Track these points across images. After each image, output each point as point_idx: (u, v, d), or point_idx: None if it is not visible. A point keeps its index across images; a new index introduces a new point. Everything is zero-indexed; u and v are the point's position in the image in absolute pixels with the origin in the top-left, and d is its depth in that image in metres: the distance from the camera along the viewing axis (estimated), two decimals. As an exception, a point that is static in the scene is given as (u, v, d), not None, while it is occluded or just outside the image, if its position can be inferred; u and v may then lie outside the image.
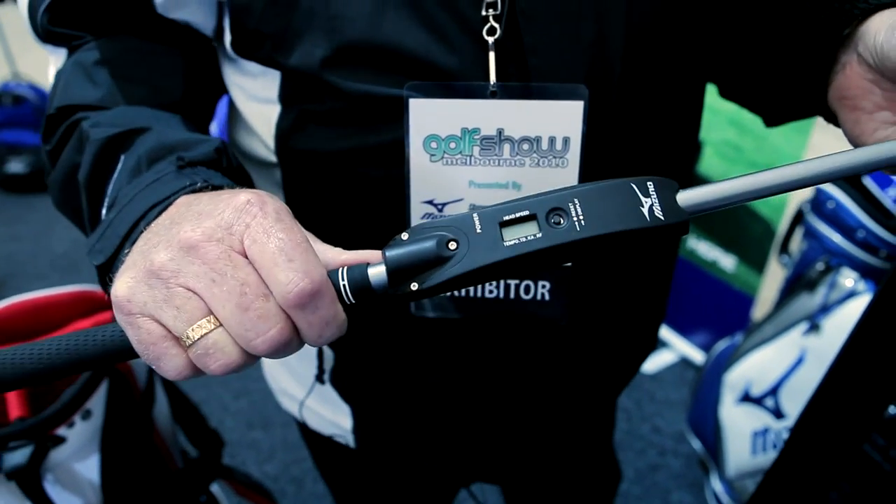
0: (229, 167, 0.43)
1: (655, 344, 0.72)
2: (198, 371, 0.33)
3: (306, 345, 0.35)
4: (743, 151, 1.75)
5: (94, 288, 1.10)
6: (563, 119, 0.44)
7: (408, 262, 0.33)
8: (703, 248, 1.88)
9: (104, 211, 0.43)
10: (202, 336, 0.32)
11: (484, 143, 0.45)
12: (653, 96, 0.50)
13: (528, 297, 0.49)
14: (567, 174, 0.45)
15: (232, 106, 0.58)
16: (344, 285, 0.33)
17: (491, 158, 0.45)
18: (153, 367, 0.33)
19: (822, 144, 1.68)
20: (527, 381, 0.60)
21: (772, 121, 0.58)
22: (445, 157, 0.45)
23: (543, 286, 0.49)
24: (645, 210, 0.32)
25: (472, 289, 0.50)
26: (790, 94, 0.52)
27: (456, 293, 0.50)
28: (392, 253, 0.33)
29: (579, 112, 0.44)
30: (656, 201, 0.32)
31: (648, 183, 0.33)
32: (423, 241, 0.33)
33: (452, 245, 0.33)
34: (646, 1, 0.47)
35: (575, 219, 0.32)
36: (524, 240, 0.32)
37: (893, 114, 0.42)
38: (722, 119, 1.73)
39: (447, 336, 0.56)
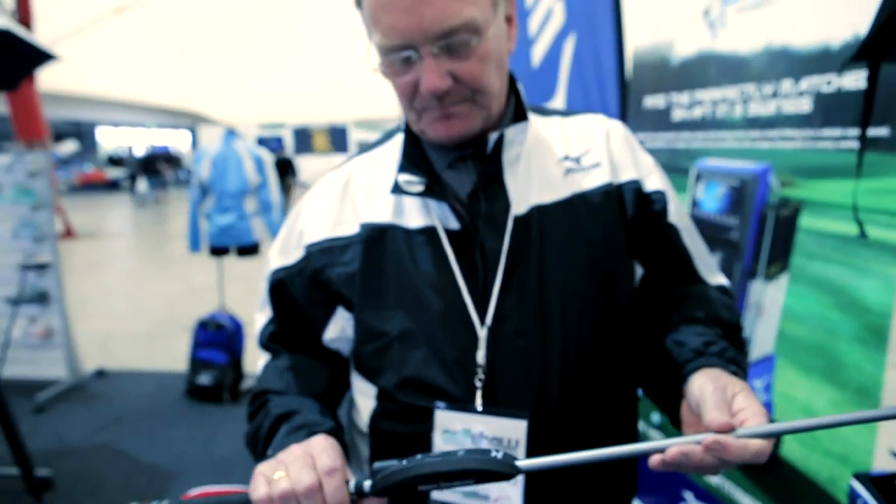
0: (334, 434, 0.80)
1: None
2: (270, 497, 0.64)
3: None
4: (818, 438, 1.85)
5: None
6: (515, 429, 0.78)
7: (379, 469, 0.63)
8: (788, 534, 1.89)
9: (269, 450, 0.79)
10: (279, 477, 0.64)
11: (473, 437, 0.79)
12: (582, 413, 0.83)
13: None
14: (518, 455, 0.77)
15: (351, 396, 0.98)
16: (349, 486, 0.65)
17: (477, 445, 0.79)
18: (253, 492, 0.65)
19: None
20: None
21: (676, 424, 0.81)
22: (453, 442, 0.80)
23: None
24: (493, 465, 0.60)
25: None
26: (673, 411, 0.79)
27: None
28: (377, 466, 0.64)
29: (524, 426, 0.78)
30: (499, 456, 0.61)
31: (499, 451, 0.62)
32: (387, 469, 0.63)
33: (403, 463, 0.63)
34: (574, 363, 0.82)
35: (459, 462, 0.61)
36: (430, 467, 0.61)
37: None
38: (795, 406, 1.87)
39: None
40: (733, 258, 2.00)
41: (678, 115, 2.28)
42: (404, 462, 0.63)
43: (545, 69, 3.48)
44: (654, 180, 0.92)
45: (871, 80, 0.96)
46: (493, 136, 0.86)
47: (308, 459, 0.66)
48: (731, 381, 0.68)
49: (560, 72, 3.41)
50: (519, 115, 0.89)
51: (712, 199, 2.11)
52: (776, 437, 0.62)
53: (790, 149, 1.82)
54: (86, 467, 3.18)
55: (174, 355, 4.72)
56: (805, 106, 1.77)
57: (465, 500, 0.80)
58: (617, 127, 0.96)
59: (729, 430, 0.60)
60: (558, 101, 3.48)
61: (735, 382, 0.68)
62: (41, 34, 9.78)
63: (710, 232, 2.08)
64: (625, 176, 0.90)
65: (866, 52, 0.91)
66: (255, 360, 0.99)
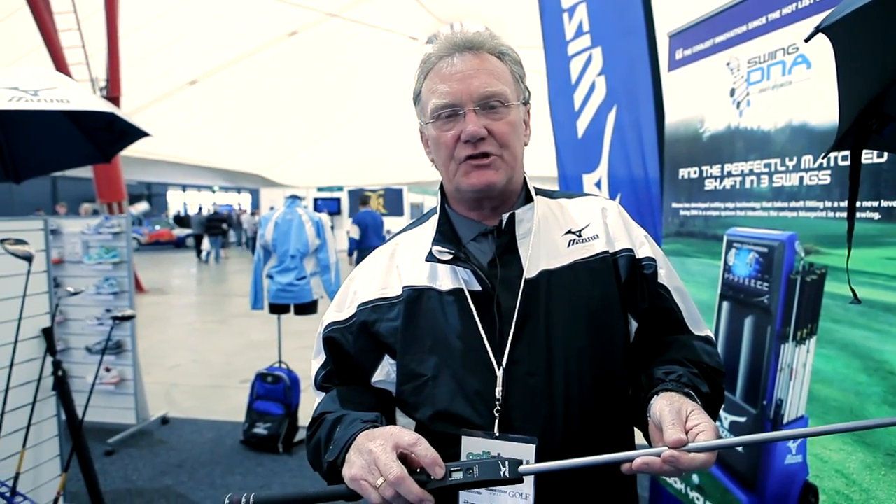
0: (381, 424, 0.93)
1: None
2: (385, 500, 0.77)
3: None
4: (852, 501, 1.88)
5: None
6: (525, 451, 0.92)
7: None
8: None
9: (331, 447, 0.94)
10: (382, 484, 0.77)
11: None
12: (582, 438, 0.98)
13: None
14: (527, 480, 0.91)
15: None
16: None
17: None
18: (367, 497, 0.79)
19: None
20: None
21: (648, 440, 0.94)
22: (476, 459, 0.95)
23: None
24: (501, 472, 0.75)
25: None
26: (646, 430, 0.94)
27: None
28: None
29: (532, 449, 0.92)
30: (507, 468, 0.76)
31: (506, 460, 0.77)
32: (433, 483, 0.78)
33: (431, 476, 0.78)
34: (575, 398, 0.98)
35: (474, 473, 0.76)
36: (457, 479, 0.77)
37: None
38: (829, 468, 1.92)
39: None
40: (765, 322, 2.09)
41: (710, 185, 2.43)
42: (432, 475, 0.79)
43: (589, 140, 3.69)
44: (645, 249, 1.11)
45: (854, 166, 1.11)
46: (506, 216, 1.07)
47: (395, 462, 0.79)
48: (685, 402, 0.84)
49: (604, 142, 3.61)
50: (528, 200, 1.12)
51: (743, 264, 2.22)
52: (719, 450, 0.77)
53: (813, 218, 1.93)
54: (149, 509, 3.39)
55: (233, 406, 4.95)
56: (825, 178, 1.90)
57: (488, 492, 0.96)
58: (612, 205, 1.16)
59: (681, 445, 0.76)
60: (602, 170, 3.67)
61: (689, 403, 0.84)
62: (126, 104, 10.72)
63: (743, 296, 2.19)
64: (619, 245, 1.10)
65: (844, 144, 1.06)
66: (310, 414, 1.14)
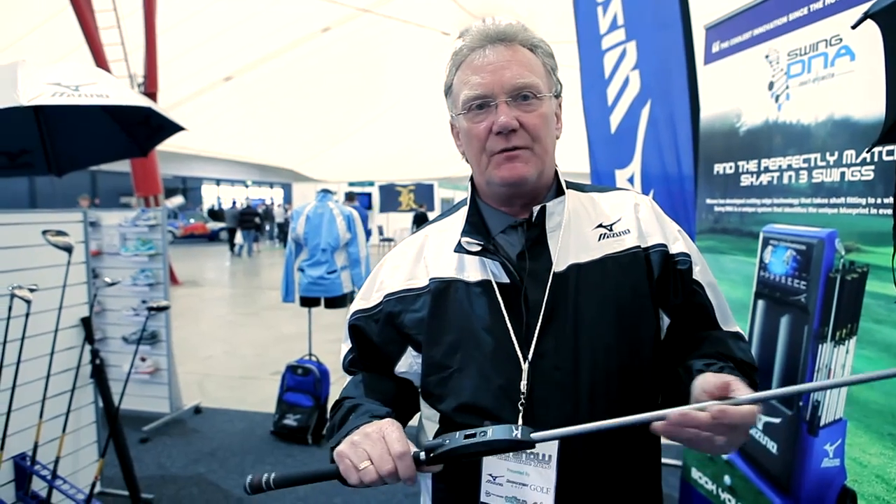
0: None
1: None
2: (363, 483, 0.82)
3: None
4: (892, 507, 1.83)
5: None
6: (549, 444, 0.92)
7: (430, 447, 0.80)
8: None
9: (338, 433, 0.95)
10: (365, 467, 0.81)
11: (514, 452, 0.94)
12: (607, 434, 0.95)
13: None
14: (550, 471, 0.92)
15: (420, 420, 1.15)
16: (413, 455, 0.80)
17: (518, 459, 0.93)
18: (347, 479, 0.83)
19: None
20: None
21: None
22: (501, 456, 0.95)
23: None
24: (513, 434, 0.76)
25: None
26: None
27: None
28: (429, 444, 0.81)
29: (556, 443, 0.92)
30: (519, 431, 0.76)
31: (520, 426, 0.77)
32: (439, 448, 0.80)
33: (447, 442, 0.79)
34: (601, 392, 0.97)
35: (487, 434, 0.77)
36: (468, 442, 0.77)
37: None
38: (870, 472, 1.86)
39: None
40: (802, 321, 2.04)
41: (746, 181, 2.37)
42: (448, 441, 0.80)
43: (622, 134, 3.64)
44: (679, 245, 1.09)
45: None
46: (537, 208, 1.06)
47: (384, 446, 0.83)
48: (725, 374, 0.85)
49: (637, 137, 3.56)
50: (559, 193, 1.11)
51: (779, 262, 2.17)
52: (764, 401, 0.78)
53: (855, 215, 1.87)
54: (182, 495, 3.45)
55: (264, 397, 5.03)
56: (868, 174, 1.84)
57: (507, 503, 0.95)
58: (645, 200, 1.14)
59: (727, 389, 0.79)
60: (635, 166, 3.62)
61: (728, 375, 0.84)
62: (162, 99, 10.92)
63: (779, 294, 2.13)
64: (652, 241, 1.08)
65: (891, 137, 1.03)
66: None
